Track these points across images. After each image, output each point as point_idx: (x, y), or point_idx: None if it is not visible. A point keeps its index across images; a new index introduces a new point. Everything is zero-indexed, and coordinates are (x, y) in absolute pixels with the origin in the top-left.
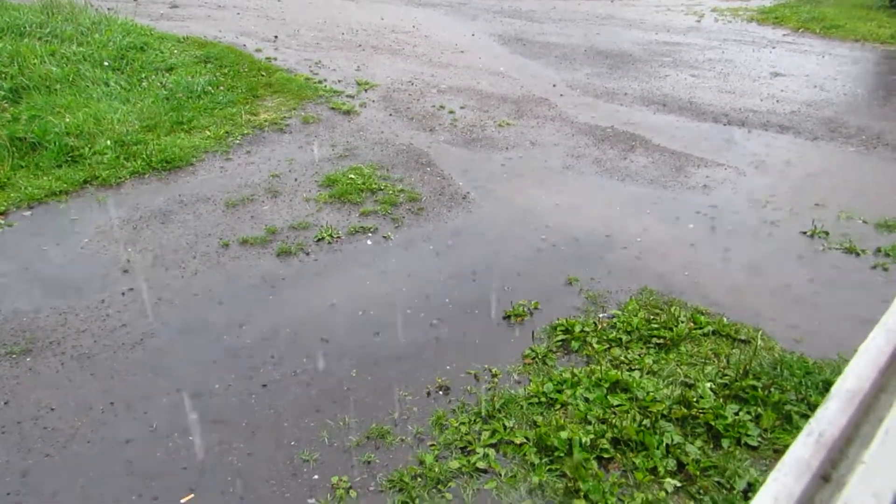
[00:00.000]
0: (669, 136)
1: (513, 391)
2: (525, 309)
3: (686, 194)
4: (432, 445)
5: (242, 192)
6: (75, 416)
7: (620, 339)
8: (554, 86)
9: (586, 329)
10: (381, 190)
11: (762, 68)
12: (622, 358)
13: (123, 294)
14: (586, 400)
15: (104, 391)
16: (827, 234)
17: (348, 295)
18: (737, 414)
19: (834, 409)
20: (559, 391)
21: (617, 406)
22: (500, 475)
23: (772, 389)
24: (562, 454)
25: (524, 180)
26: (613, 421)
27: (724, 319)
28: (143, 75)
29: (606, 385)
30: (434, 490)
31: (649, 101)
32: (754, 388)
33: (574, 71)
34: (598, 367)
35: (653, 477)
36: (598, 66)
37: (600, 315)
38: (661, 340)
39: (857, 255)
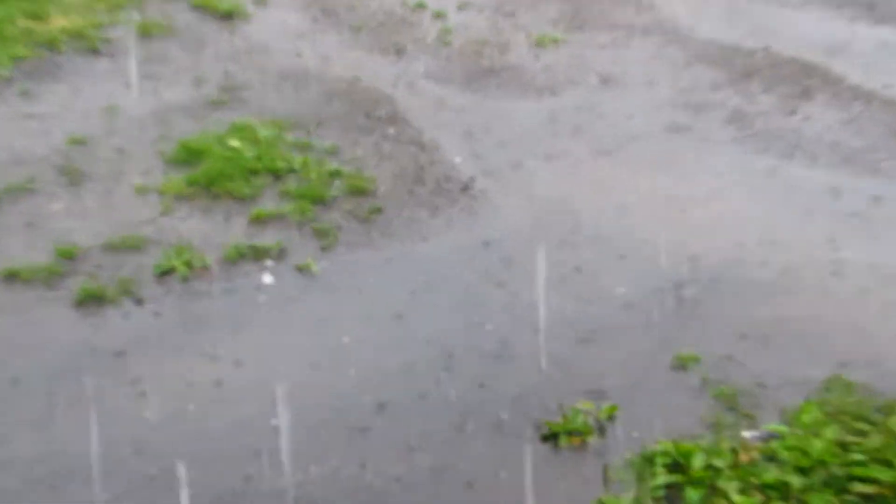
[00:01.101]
0: (881, 69)
1: None
2: (588, 419)
3: None
4: None
5: (12, 174)
6: None
7: (787, 483)
8: None
9: (717, 463)
10: (295, 172)
11: None
12: None
13: None
14: None
15: None
16: None
17: (223, 389)
18: None
19: None
20: None
21: None
22: None
23: None
24: None
25: (585, 155)
26: None
27: None
28: None
29: None
30: None
31: None
32: None
33: None
34: None
35: None
36: None
37: (745, 433)
38: (872, 489)
39: None
